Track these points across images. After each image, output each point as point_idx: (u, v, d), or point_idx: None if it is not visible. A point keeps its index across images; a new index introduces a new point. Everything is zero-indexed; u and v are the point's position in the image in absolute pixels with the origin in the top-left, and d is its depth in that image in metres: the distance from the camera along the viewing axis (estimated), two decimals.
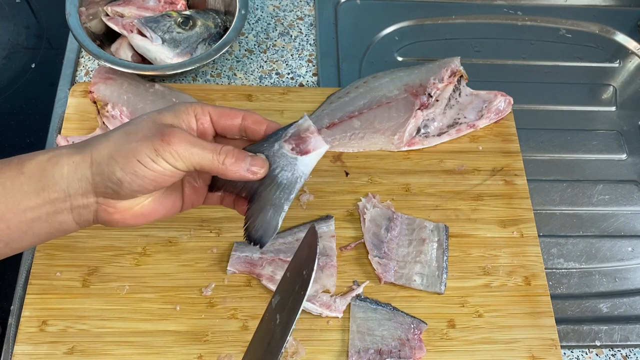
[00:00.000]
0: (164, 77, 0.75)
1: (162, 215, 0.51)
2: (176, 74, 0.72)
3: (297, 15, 0.87)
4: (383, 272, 0.63)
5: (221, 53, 0.72)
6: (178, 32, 0.73)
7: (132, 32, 0.73)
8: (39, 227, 0.45)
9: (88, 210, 0.46)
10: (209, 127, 0.49)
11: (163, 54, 0.72)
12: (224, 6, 0.79)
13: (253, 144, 0.51)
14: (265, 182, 0.50)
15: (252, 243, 0.51)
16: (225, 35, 0.73)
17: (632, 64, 0.90)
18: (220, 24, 0.77)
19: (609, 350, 0.66)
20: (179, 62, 0.72)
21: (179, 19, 0.74)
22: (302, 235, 0.64)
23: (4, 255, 0.47)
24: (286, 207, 0.50)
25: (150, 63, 0.74)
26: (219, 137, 0.52)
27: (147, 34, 0.72)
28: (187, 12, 0.76)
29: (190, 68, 0.71)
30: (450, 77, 0.73)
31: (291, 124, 0.50)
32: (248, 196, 0.52)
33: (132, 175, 0.44)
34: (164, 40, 0.72)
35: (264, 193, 0.50)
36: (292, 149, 0.49)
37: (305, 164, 0.49)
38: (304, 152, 0.49)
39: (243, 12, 0.75)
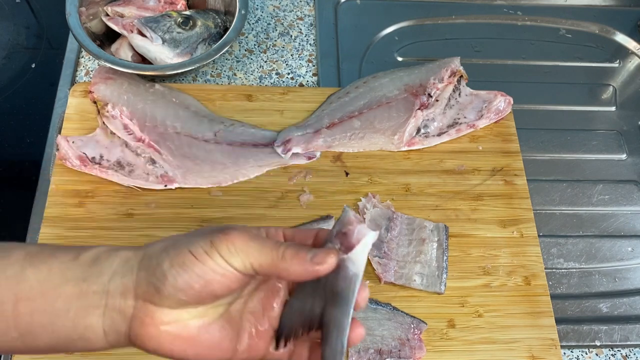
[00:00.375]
0: (164, 77, 0.75)
1: (206, 353, 0.40)
2: (176, 74, 0.72)
3: (297, 15, 0.87)
4: (383, 272, 0.63)
5: (221, 53, 0.72)
6: (178, 32, 0.73)
7: (132, 32, 0.73)
8: (62, 324, 0.38)
9: (122, 316, 0.39)
10: (275, 238, 0.43)
11: (163, 54, 0.73)
12: (224, 6, 0.79)
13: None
14: (325, 297, 0.42)
15: None
16: (225, 35, 0.73)
17: (632, 64, 0.90)
18: (220, 24, 0.77)
19: (609, 350, 0.66)
20: (179, 62, 0.72)
21: (179, 19, 0.74)
22: None
23: (14, 351, 0.41)
24: (347, 323, 0.41)
25: (150, 63, 0.74)
26: None
27: (147, 34, 0.72)
28: (187, 12, 0.76)
29: (190, 68, 0.71)
30: (450, 77, 0.73)
31: (336, 223, 0.42)
32: (319, 327, 0.42)
33: (178, 267, 0.38)
34: (164, 41, 0.72)
35: (326, 315, 0.41)
36: (339, 249, 0.41)
37: (354, 262, 0.41)
38: (348, 249, 0.41)
39: (243, 12, 0.75)
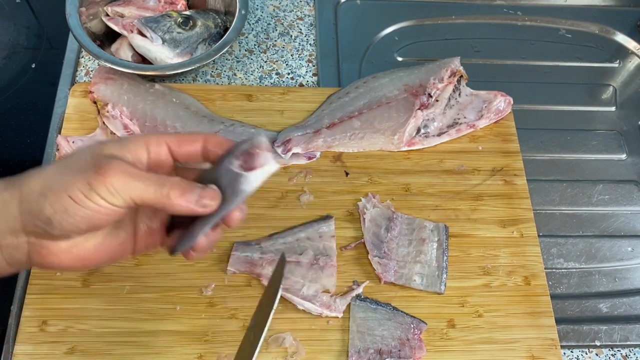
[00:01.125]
0: (164, 77, 0.75)
1: (108, 259, 0.44)
2: (176, 74, 0.72)
3: (297, 16, 0.87)
4: (383, 272, 0.63)
5: (221, 53, 0.72)
6: (178, 32, 0.73)
7: (132, 32, 0.73)
8: None
9: (19, 251, 0.41)
10: (167, 158, 0.44)
11: (163, 54, 0.73)
12: (224, 6, 0.79)
13: (207, 169, 0.46)
14: None
15: (169, 251, 0.47)
16: (226, 36, 0.73)
17: (631, 64, 0.90)
18: (220, 24, 0.77)
19: (609, 350, 0.66)
20: (178, 62, 0.72)
21: (179, 19, 0.74)
22: (302, 235, 0.64)
23: None
24: (208, 224, 0.44)
25: (150, 63, 0.74)
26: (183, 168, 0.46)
27: (148, 34, 0.72)
28: (187, 12, 0.76)
29: (190, 68, 0.71)
30: (450, 77, 0.73)
31: (246, 140, 0.45)
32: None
33: (62, 213, 0.38)
34: (164, 41, 0.72)
35: None
36: (240, 166, 0.44)
37: (249, 182, 0.44)
38: (249, 169, 0.44)
39: (243, 12, 0.75)
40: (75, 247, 0.41)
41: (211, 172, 0.45)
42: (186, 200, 0.41)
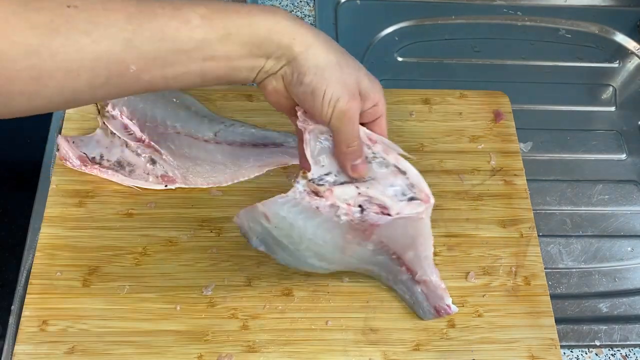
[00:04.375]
0: None
1: (284, 109, 0.52)
2: None
3: (297, 15, 0.87)
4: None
5: None
6: None
7: None
8: (233, 75, 0.47)
9: (266, 74, 0.48)
10: (367, 119, 0.52)
11: None
12: None
13: None
14: None
15: None
16: None
17: (631, 64, 0.90)
18: None
19: (609, 350, 0.66)
20: None
21: None
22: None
23: (193, 86, 0.53)
24: None
25: None
26: None
27: None
28: None
29: None
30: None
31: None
32: None
33: (311, 90, 0.48)
34: None
35: None
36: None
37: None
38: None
39: None
40: (284, 95, 0.50)
41: None
42: (353, 158, 0.52)
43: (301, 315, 0.61)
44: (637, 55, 0.91)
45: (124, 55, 0.42)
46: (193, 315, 0.60)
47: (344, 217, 0.54)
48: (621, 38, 0.92)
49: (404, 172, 0.55)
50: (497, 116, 0.75)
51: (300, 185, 0.53)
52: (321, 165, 0.54)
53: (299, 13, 0.87)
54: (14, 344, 0.58)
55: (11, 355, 0.57)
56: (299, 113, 0.52)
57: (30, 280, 0.61)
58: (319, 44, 0.47)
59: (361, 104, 0.50)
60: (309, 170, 0.53)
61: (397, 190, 0.55)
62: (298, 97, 0.49)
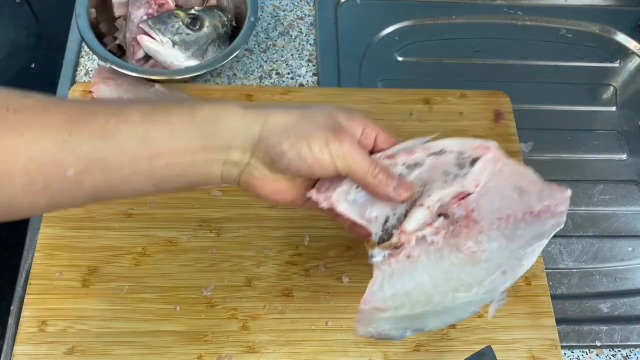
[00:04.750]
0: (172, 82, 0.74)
1: (290, 200, 0.50)
2: (184, 79, 0.72)
3: (297, 15, 0.87)
4: None
5: (229, 59, 0.72)
6: (187, 34, 0.72)
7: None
8: (190, 172, 0.45)
9: (238, 168, 0.46)
10: (369, 145, 0.50)
11: (174, 57, 0.72)
12: (234, 6, 0.79)
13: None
14: None
15: None
16: (234, 42, 0.73)
17: (632, 64, 0.90)
18: (227, 23, 0.77)
19: (609, 350, 0.66)
20: (186, 67, 0.72)
21: (187, 19, 0.73)
22: None
23: (146, 193, 0.46)
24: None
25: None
26: None
27: (157, 38, 0.71)
28: (194, 12, 0.75)
29: (197, 73, 0.71)
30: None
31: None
32: None
33: (296, 153, 0.45)
34: (174, 43, 0.71)
35: None
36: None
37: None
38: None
39: (252, 19, 0.75)
40: (276, 181, 0.47)
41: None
42: (386, 184, 0.47)
43: (301, 315, 0.61)
44: (638, 55, 0.91)
45: (61, 156, 0.40)
46: (193, 316, 0.60)
47: (437, 238, 0.47)
48: (622, 38, 0.92)
49: (441, 152, 0.50)
50: (498, 116, 0.75)
51: (378, 256, 0.47)
52: (374, 217, 0.48)
53: (299, 13, 0.87)
54: (13, 344, 0.57)
55: (11, 355, 0.57)
56: (311, 194, 0.48)
57: (29, 281, 0.61)
58: (273, 111, 0.46)
59: (350, 133, 0.47)
60: (369, 233, 0.48)
61: (452, 170, 0.49)
62: (291, 170, 0.46)
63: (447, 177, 0.49)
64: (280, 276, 0.63)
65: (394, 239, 0.47)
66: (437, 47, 0.88)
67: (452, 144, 0.50)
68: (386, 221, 0.48)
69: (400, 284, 0.47)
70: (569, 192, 0.52)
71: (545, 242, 0.50)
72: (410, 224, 0.47)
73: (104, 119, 0.41)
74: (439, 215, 0.48)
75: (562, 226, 0.51)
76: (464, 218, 0.48)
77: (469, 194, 0.48)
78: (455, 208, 0.48)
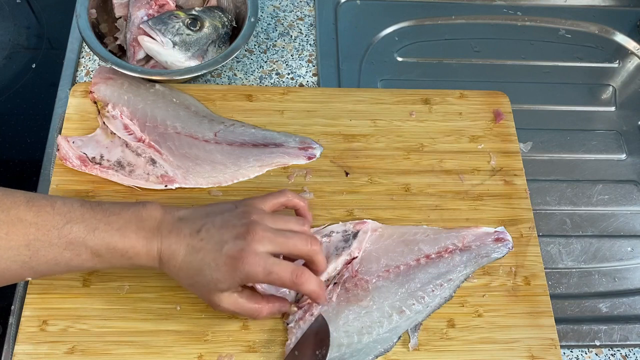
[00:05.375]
0: (172, 82, 0.74)
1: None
2: (185, 79, 0.72)
3: (297, 16, 0.87)
4: None
5: (229, 59, 0.72)
6: (187, 34, 0.72)
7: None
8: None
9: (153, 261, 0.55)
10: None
11: (174, 58, 0.72)
12: (234, 6, 0.79)
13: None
14: None
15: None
16: (234, 42, 0.73)
17: (631, 64, 0.90)
18: (227, 24, 0.77)
19: (609, 350, 0.66)
20: (186, 67, 0.72)
21: (187, 20, 0.73)
22: None
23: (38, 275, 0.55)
24: None
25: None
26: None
27: (157, 38, 0.71)
28: (194, 12, 0.75)
29: (197, 74, 0.71)
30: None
31: None
32: None
33: (193, 293, 0.57)
34: (174, 44, 0.72)
35: None
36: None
37: None
38: None
39: (253, 19, 0.75)
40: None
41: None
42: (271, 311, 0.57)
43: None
44: (637, 55, 0.91)
45: (21, 272, 0.51)
46: (193, 315, 0.60)
47: (333, 296, 0.60)
48: (621, 38, 0.92)
49: (330, 234, 0.63)
50: (497, 116, 0.75)
51: (291, 322, 0.59)
52: (287, 292, 0.60)
53: (299, 13, 0.87)
54: (14, 344, 0.58)
55: (11, 355, 0.57)
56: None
57: (30, 280, 0.61)
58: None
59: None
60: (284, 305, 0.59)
61: (341, 245, 0.63)
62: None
63: (337, 250, 0.63)
64: None
65: (303, 304, 0.59)
66: (436, 47, 0.88)
67: (337, 227, 0.64)
68: (297, 294, 0.61)
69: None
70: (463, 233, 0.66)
71: (456, 276, 0.63)
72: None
73: (59, 251, 0.51)
74: (333, 283, 0.61)
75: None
76: (352, 277, 0.61)
77: (354, 258, 0.62)
78: (345, 271, 0.62)
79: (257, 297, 0.56)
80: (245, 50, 0.82)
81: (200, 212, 0.55)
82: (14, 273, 0.51)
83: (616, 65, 0.90)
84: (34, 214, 0.50)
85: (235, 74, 0.80)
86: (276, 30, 0.85)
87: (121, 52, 0.77)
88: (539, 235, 0.68)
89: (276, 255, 0.53)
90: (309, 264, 0.56)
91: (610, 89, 0.88)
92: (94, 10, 0.74)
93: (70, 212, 0.52)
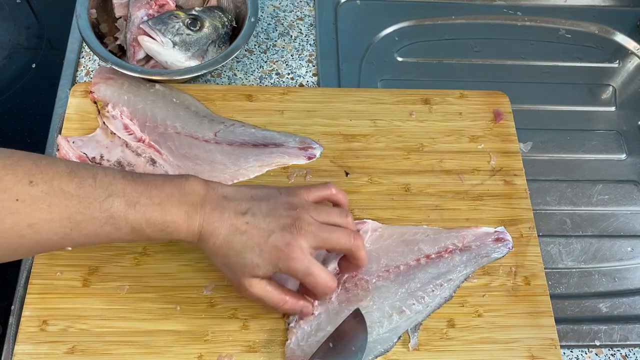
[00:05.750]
0: (172, 82, 0.74)
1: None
2: (185, 79, 0.72)
3: (297, 16, 0.87)
4: None
5: (229, 59, 0.72)
6: (188, 34, 0.72)
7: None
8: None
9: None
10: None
11: (174, 58, 0.72)
12: (234, 6, 0.79)
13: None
14: None
15: None
16: (234, 42, 0.73)
17: (631, 64, 0.90)
18: (227, 24, 0.77)
19: (609, 350, 0.66)
20: (186, 67, 0.72)
21: (187, 20, 0.73)
22: None
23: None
24: None
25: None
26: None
27: (157, 38, 0.71)
28: (194, 12, 0.75)
29: (197, 74, 0.71)
30: None
31: None
32: None
33: (225, 274, 0.57)
34: (174, 44, 0.71)
35: None
36: None
37: None
38: None
39: (253, 19, 0.75)
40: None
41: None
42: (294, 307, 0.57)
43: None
44: (637, 55, 0.91)
45: (62, 243, 0.51)
46: (193, 315, 0.60)
47: (333, 297, 0.60)
48: (621, 38, 0.92)
49: None
50: (497, 116, 0.75)
51: (292, 322, 0.59)
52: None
53: (299, 13, 0.87)
54: (14, 344, 0.58)
55: (11, 355, 0.57)
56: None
57: (30, 280, 0.61)
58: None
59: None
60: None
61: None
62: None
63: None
64: None
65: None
66: (436, 47, 0.88)
67: None
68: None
69: (313, 338, 0.58)
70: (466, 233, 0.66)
71: (456, 276, 0.63)
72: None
73: (99, 225, 0.51)
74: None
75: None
76: (352, 277, 0.61)
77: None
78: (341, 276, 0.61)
79: (283, 289, 0.56)
80: (245, 50, 0.82)
81: (245, 194, 0.55)
82: (55, 243, 0.51)
83: (616, 65, 0.90)
84: (76, 186, 0.49)
85: (235, 74, 0.80)
86: (276, 30, 0.85)
87: (121, 52, 0.77)
88: (539, 235, 0.68)
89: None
90: (351, 259, 0.57)
91: (610, 89, 0.88)
92: (94, 10, 0.74)
93: (112, 185, 0.51)
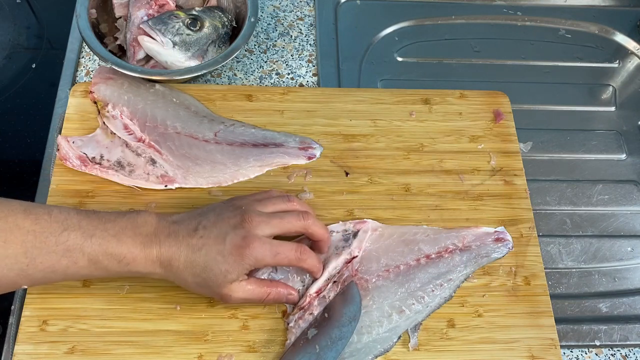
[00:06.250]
0: (172, 82, 0.74)
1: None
2: (184, 79, 0.72)
3: (297, 16, 0.87)
4: None
5: (229, 59, 0.72)
6: (188, 34, 0.72)
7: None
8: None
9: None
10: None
11: (174, 58, 0.72)
12: (234, 6, 0.79)
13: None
14: None
15: None
16: (234, 42, 0.73)
17: (631, 64, 0.90)
18: (227, 24, 0.77)
19: (609, 350, 0.66)
20: (186, 67, 0.72)
21: (187, 19, 0.73)
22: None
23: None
24: None
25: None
26: None
27: (157, 38, 0.71)
28: (194, 12, 0.75)
29: (197, 74, 0.71)
30: None
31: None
32: None
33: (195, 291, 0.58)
34: (174, 44, 0.71)
35: None
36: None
37: None
38: None
39: (253, 19, 0.75)
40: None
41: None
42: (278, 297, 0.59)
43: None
44: (637, 55, 0.91)
45: (17, 280, 0.51)
46: (193, 315, 0.60)
47: (331, 295, 0.60)
48: (621, 38, 0.92)
49: (330, 233, 0.63)
50: (497, 116, 0.75)
51: (291, 321, 0.59)
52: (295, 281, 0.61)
53: (299, 13, 0.87)
54: (14, 344, 0.58)
55: (11, 355, 0.57)
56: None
57: None
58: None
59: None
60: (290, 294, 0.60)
61: (341, 244, 0.63)
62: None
63: (337, 249, 0.63)
64: None
65: (302, 301, 0.60)
66: (436, 47, 0.89)
67: (337, 226, 0.65)
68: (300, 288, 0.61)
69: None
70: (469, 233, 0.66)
71: (456, 276, 0.63)
72: (313, 288, 0.60)
73: (56, 258, 0.51)
74: (332, 282, 0.61)
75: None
76: (352, 276, 0.61)
77: (354, 258, 0.62)
78: (345, 270, 0.62)
79: (263, 282, 0.57)
80: (245, 50, 0.82)
81: (191, 214, 0.57)
82: (10, 281, 0.51)
83: (616, 65, 0.90)
84: (31, 222, 0.51)
85: (235, 74, 0.80)
86: (276, 30, 0.85)
87: (121, 52, 0.77)
88: (539, 235, 0.68)
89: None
90: (309, 236, 0.59)
91: (610, 89, 0.88)
92: (94, 10, 0.74)
93: (67, 220, 0.52)
